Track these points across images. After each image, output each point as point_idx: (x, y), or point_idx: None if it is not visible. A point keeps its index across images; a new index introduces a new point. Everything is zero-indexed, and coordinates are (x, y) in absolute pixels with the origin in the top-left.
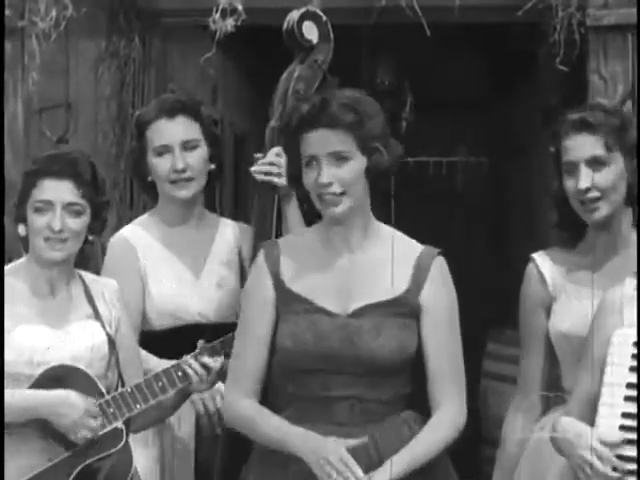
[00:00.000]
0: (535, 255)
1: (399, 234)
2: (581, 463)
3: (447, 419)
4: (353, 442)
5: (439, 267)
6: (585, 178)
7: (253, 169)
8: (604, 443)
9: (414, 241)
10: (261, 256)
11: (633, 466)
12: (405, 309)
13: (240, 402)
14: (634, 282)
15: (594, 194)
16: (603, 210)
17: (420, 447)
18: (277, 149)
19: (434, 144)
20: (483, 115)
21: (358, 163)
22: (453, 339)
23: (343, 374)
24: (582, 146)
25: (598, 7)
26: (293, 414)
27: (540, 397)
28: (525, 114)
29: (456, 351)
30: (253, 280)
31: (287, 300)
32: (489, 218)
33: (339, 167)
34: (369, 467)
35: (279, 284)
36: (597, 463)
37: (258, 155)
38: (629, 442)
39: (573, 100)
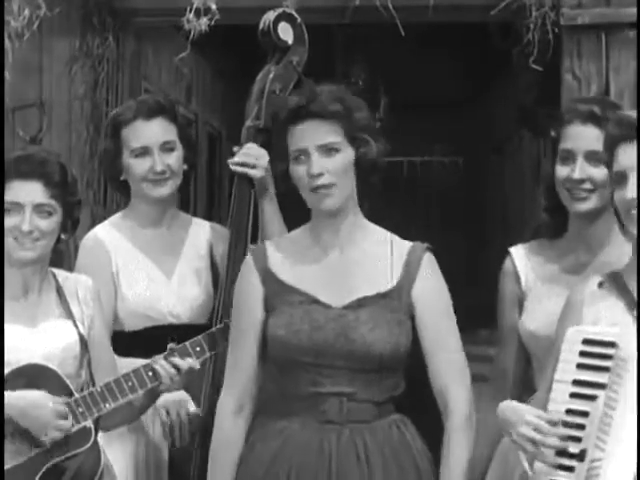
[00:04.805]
0: (512, 249)
1: (388, 232)
2: (518, 438)
3: (463, 414)
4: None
5: (429, 262)
6: (581, 169)
7: (230, 160)
8: (542, 418)
9: (399, 238)
10: (248, 257)
11: (573, 463)
12: (398, 303)
13: (228, 419)
14: (597, 280)
15: (588, 186)
16: (591, 202)
17: (463, 452)
18: (252, 144)
19: (409, 144)
20: (458, 115)
21: (347, 155)
22: (451, 331)
23: (334, 369)
24: (585, 138)
25: (572, 6)
26: (281, 409)
27: (512, 395)
28: (501, 114)
29: (456, 341)
30: (240, 281)
31: (280, 292)
32: (464, 218)
33: (329, 158)
34: (357, 468)
35: (269, 277)
36: (534, 434)
37: (236, 149)
38: (571, 439)
39: (547, 100)
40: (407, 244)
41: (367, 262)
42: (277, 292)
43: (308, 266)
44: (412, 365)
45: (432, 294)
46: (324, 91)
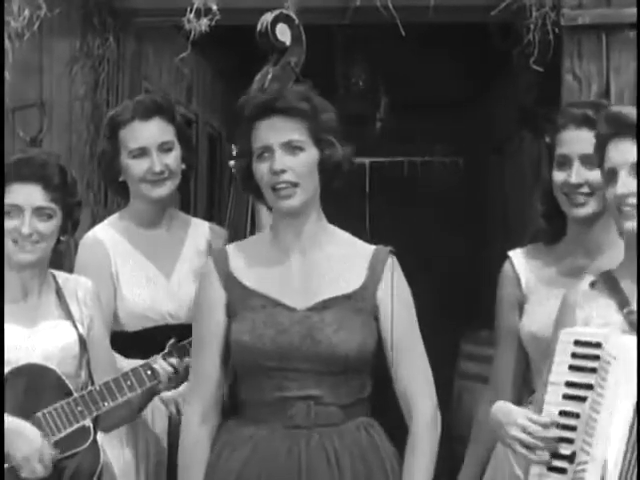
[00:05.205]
0: (511, 253)
1: (350, 235)
2: (510, 441)
3: (427, 419)
4: None
5: (393, 266)
6: (577, 174)
7: (230, 162)
8: (532, 420)
9: (362, 242)
10: (209, 261)
11: (565, 465)
12: (363, 305)
13: (194, 426)
14: (590, 279)
15: (585, 190)
16: (590, 206)
17: (427, 455)
18: None
19: (409, 144)
20: (459, 115)
21: (311, 155)
22: (415, 334)
23: (300, 372)
24: (580, 142)
25: (572, 7)
26: (249, 415)
27: (512, 396)
28: (501, 114)
29: (419, 345)
30: (201, 286)
31: (243, 297)
32: (465, 218)
33: (293, 156)
34: (327, 472)
35: (231, 282)
36: (525, 437)
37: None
38: (564, 440)
39: (548, 100)
40: (370, 247)
41: (331, 264)
42: (240, 297)
43: (270, 269)
44: (377, 367)
45: (396, 299)
46: (292, 89)
